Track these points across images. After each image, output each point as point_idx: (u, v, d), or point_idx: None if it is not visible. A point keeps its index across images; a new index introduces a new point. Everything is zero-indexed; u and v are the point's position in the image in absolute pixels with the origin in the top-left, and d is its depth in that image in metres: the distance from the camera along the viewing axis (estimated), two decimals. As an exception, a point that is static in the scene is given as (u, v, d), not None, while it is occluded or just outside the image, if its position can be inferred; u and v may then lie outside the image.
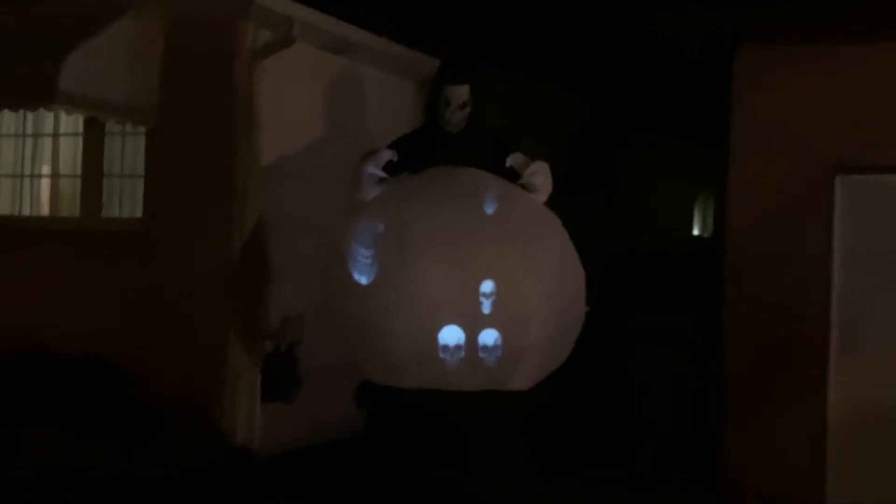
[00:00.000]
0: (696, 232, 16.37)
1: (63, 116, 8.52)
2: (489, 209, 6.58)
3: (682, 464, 8.92)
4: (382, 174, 6.83)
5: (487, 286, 6.34)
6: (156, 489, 6.56)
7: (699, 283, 9.83)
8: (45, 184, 8.92)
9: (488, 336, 6.38)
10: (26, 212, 8.91)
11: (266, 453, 7.74)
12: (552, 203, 7.03)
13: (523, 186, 6.88)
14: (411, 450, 6.62)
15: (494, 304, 6.33)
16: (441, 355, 6.34)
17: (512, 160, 6.91)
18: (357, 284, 6.55)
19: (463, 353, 6.35)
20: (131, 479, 6.58)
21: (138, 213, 8.31)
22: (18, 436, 6.78)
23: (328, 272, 6.82)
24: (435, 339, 6.35)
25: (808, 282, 8.12)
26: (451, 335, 6.35)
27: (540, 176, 6.88)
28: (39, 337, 7.94)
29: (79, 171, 8.63)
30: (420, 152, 6.98)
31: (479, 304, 6.33)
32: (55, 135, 8.80)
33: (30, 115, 8.74)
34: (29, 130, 8.90)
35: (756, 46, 8.29)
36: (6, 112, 8.28)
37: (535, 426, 6.91)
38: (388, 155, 6.89)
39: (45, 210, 8.92)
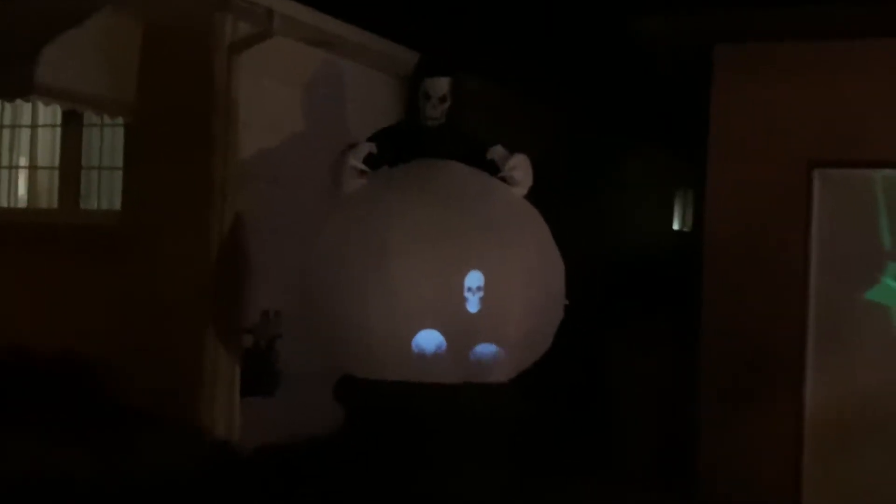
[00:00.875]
0: (675, 227, 16.42)
1: (41, 108, 8.46)
2: (469, 203, 6.58)
3: (657, 466, 8.92)
4: (363, 167, 6.83)
5: (474, 279, 6.33)
6: (135, 495, 6.51)
7: (678, 282, 9.86)
8: (23, 175, 8.86)
9: (485, 349, 6.40)
10: (3, 203, 8.84)
11: (246, 448, 7.71)
12: (532, 201, 7.04)
13: (503, 180, 6.90)
14: (390, 443, 6.62)
15: (482, 301, 6.34)
16: (418, 361, 6.35)
17: (492, 153, 6.93)
18: (335, 280, 6.54)
19: (444, 355, 6.35)
20: (110, 485, 6.51)
21: (117, 206, 8.26)
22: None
23: (307, 267, 6.82)
24: (410, 341, 6.36)
25: (786, 279, 8.14)
26: (429, 341, 6.36)
27: (520, 169, 6.90)
28: (15, 332, 7.87)
29: (57, 162, 8.57)
30: (400, 146, 6.99)
31: (464, 301, 6.35)
32: (33, 126, 8.73)
33: (7, 107, 8.67)
34: (6, 122, 8.82)
35: (732, 46, 8.34)
36: (-17, 104, 8.23)
37: (513, 420, 6.91)
38: (367, 148, 6.90)
39: (22, 202, 8.86)
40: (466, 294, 6.34)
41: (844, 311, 8.11)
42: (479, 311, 6.34)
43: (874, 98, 7.97)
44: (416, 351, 6.35)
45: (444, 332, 6.37)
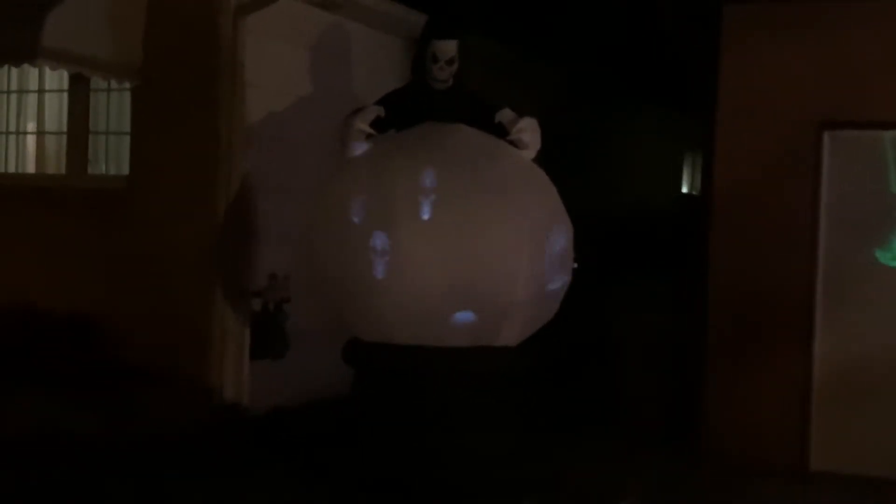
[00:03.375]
0: (684, 190, 16.40)
1: (48, 73, 8.44)
2: (477, 166, 6.57)
3: (664, 425, 8.95)
4: (370, 130, 6.82)
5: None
6: (142, 454, 6.54)
7: (685, 243, 9.85)
8: (31, 141, 8.86)
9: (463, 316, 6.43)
10: (11, 169, 8.85)
11: (256, 410, 7.75)
12: (540, 163, 7.02)
13: (512, 143, 6.88)
14: (399, 405, 6.66)
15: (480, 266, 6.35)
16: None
17: (500, 116, 6.91)
18: (342, 242, 6.55)
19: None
20: (116, 443, 6.55)
21: (125, 171, 8.27)
22: (1, 401, 6.74)
23: (313, 229, 6.82)
24: (423, 295, 6.37)
25: (794, 239, 8.13)
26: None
27: (528, 132, 6.88)
28: (24, 295, 7.91)
29: (64, 128, 8.56)
30: (407, 108, 6.96)
31: (466, 263, 6.35)
32: (40, 91, 8.73)
33: (14, 72, 8.66)
34: (13, 87, 8.82)
35: (741, 5, 8.28)
36: (-10, 68, 8.21)
37: (520, 382, 6.94)
38: (375, 111, 6.89)
39: (30, 167, 8.86)
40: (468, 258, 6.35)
41: (853, 271, 8.10)
42: (483, 274, 6.34)
43: (884, 59, 7.92)
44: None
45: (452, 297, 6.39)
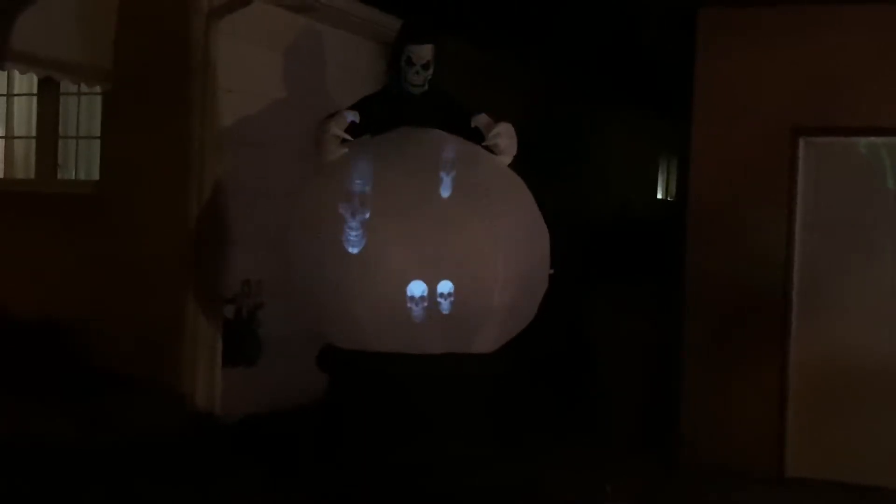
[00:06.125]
0: (660, 195, 16.44)
1: (17, 76, 8.34)
2: (452, 171, 6.52)
3: (640, 431, 8.95)
4: (345, 135, 6.76)
5: (445, 287, 6.28)
6: (114, 460, 6.47)
7: (661, 249, 9.86)
8: (0, 145, 8.77)
9: (445, 285, 6.35)
10: (-21, 174, 8.74)
11: (228, 418, 7.68)
12: (515, 168, 6.98)
13: (487, 148, 6.83)
14: (373, 413, 6.60)
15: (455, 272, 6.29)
16: (408, 305, 6.29)
17: (476, 121, 6.86)
18: (317, 248, 6.48)
19: (426, 304, 6.30)
20: (88, 450, 6.47)
21: (95, 176, 8.17)
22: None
23: (287, 235, 6.76)
24: (398, 302, 6.31)
25: (770, 245, 8.15)
26: (417, 287, 6.31)
27: (505, 137, 6.82)
28: (-5, 300, 7.82)
29: (33, 132, 8.46)
30: (383, 113, 6.91)
31: (441, 269, 6.30)
32: (9, 95, 8.63)
33: (-18, 76, 8.56)
34: (-18, 91, 8.72)
35: (717, 9, 8.29)
36: (-42, 72, 8.10)
37: (497, 390, 6.90)
38: (350, 116, 6.82)
39: (-2, 172, 8.76)
40: (440, 300, 6.29)
41: (829, 277, 8.12)
42: (459, 283, 6.29)
43: (860, 65, 7.94)
44: (407, 295, 6.26)
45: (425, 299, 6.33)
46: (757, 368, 8.17)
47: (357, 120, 6.82)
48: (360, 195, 6.35)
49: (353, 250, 6.30)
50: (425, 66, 6.87)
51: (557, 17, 11.76)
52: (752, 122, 8.21)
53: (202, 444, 7.21)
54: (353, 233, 6.32)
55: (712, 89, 8.33)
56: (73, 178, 8.45)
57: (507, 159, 6.90)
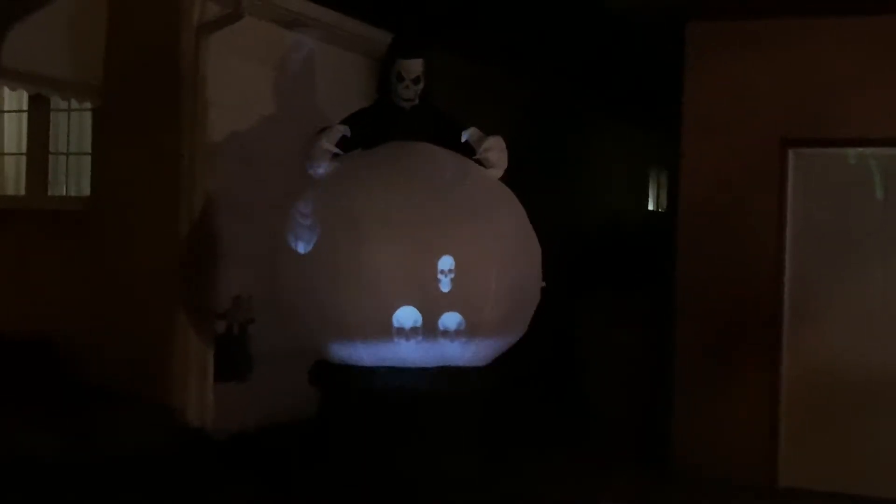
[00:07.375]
0: (650, 207, 16.47)
1: (7, 93, 8.33)
2: (444, 185, 6.53)
3: (632, 442, 8.95)
4: (336, 150, 6.77)
5: (446, 263, 6.29)
6: (105, 476, 6.45)
7: (652, 261, 9.88)
8: (-10, 162, 8.75)
9: (450, 319, 6.35)
10: (-30, 190, 8.73)
11: (220, 433, 7.66)
12: (506, 180, 7.00)
13: (478, 162, 6.85)
14: (365, 428, 6.59)
15: (453, 282, 6.29)
16: (397, 338, 6.30)
17: (467, 135, 6.88)
18: (310, 263, 6.49)
19: (420, 336, 6.32)
20: (79, 465, 6.46)
21: (86, 192, 8.16)
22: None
23: (278, 251, 6.76)
24: (389, 319, 6.32)
25: (761, 256, 8.16)
26: (407, 316, 6.32)
27: (495, 151, 6.85)
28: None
29: (24, 148, 8.45)
30: (374, 128, 6.92)
31: (437, 281, 6.30)
32: (-1, 111, 8.64)
33: (-28, 92, 8.55)
34: (-28, 108, 8.71)
35: (706, 22, 8.31)
36: (-52, 89, 8.10)
37: (487, 402, 6.90)
38: (341, 130, 6.84)
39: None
40: (440, 276, 6.29)
41: (820, 287, 8.13)
42: (453, 293, 6.29)
43: (848, 76, 7.97)
44: (395, 326, 6.28)
45: (420, 309, 6.33)
46: (748, 378, 8.16)
47: (348, 134, 6.84)
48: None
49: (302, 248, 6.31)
50: (416, 81, 6.90)
51: (547, 31, 11.78)
52: (741, 133, 8.23)
53: (193, 459, 7.19)
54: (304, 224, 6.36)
55: (702, 101, 8.35)
56: (64, 194, 8.44)
57: (498, 173, 6.92)
